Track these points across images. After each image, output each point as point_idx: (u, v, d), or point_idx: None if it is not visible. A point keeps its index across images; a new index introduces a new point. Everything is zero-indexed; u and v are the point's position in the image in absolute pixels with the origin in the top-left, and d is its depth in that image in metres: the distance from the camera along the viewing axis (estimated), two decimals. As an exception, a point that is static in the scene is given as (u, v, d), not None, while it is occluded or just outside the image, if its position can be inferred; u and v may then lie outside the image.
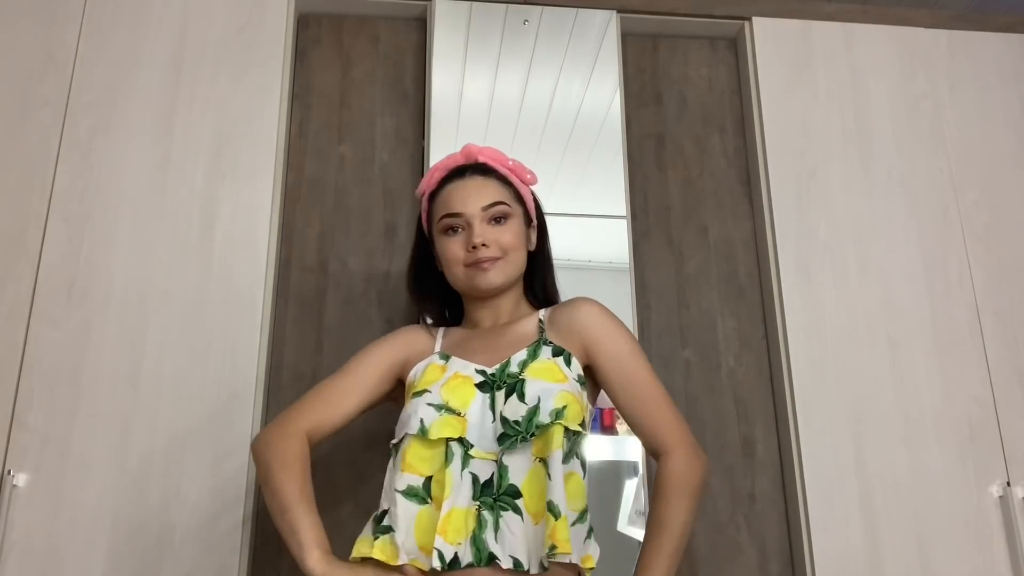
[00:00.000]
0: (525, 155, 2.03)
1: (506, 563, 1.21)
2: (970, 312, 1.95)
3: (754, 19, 2.16)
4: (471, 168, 1.48)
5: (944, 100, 2.14)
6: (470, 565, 1.20)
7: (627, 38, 2.19)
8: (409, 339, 1.48)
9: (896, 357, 1.90)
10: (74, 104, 1.86)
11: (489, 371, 1.36)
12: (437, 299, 1.57)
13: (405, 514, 1.25)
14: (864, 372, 1.89)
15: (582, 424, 1.31)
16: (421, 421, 1.28)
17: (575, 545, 1.20)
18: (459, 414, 1.30)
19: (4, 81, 1.86)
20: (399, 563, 1.22)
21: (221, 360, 1.75)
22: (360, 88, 2.09)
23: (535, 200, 1.55)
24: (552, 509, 1.20)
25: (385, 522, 1.26)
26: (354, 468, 1.79)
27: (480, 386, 1.34)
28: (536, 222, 1.54)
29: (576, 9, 2.12)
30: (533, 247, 1.52)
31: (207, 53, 1.94)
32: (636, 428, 1.36)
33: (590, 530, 1.26)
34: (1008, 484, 1.82)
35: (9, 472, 1.61)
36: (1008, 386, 1.90)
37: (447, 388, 1.33)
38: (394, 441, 1.34)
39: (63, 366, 1.70)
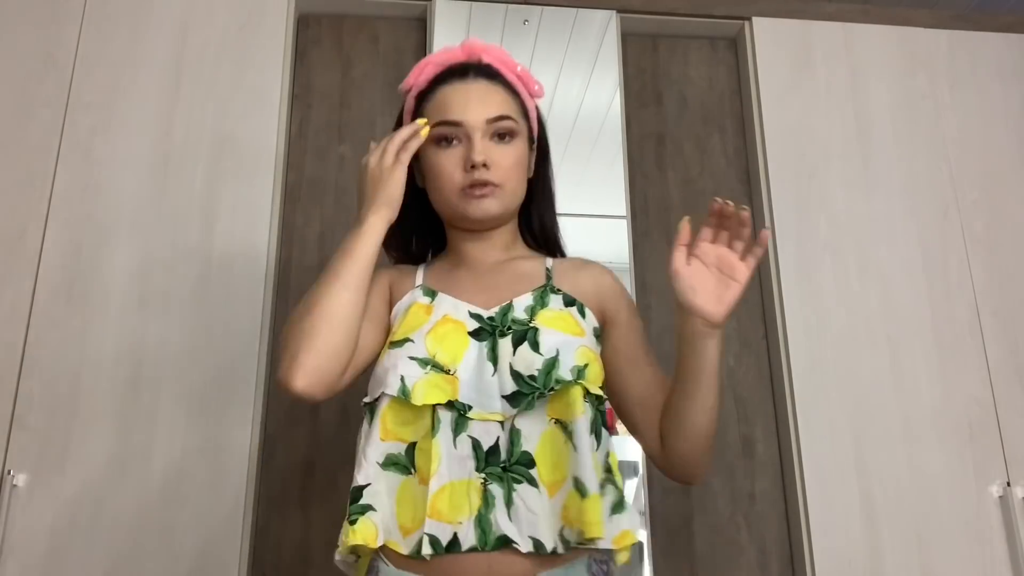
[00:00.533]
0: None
1: (525, 546, 1.02)
2: (970, 312, 1.95)
3: (754, 19, 2.16)
4: (474, 69, 1.23)
5: (944, 100, 2.14)
6: (473, 549, 1.01)
7: (627, 38, 2.19)
8: (388, 275, 1.25)
9: (896, 357, 1.90)
10: (74, 104, 1.86)
11: (486, 314, 1.15)
12: (409, 224, 1.28)
13: (387, 488, 1.06)
14: (864, 372, 1.89)
15: (601, 389, 1.12)
16: (402, 379, 1.07)
17: (607, 525, 1.02)
18: (448, 372, 1.09)
19: (4, 81, 1.86)
20: (377, 544, 1.04)
21: (221, 360, 1.74)
22: (360, 88, 2.09)
23: (539, 118, 1.31)
24: (579, 486, 1.02)
25: (364, 500, 1.05)
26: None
27: (475, 333, 1.13)
28: (537, 143, 1.30)
29: (576, 9, 2.12)
30: (532, 174, 1.28)
31: (207, 53, 1.94)
32: (640, 409, 1.17)
33: (621, 499, 1.06)
34: (1008, 484, 1.82)
35: (9, 472, 1.61)
36: (1008, 386, 1.90)
37: (434, 337, 1.11)
38: (366, 400, 1.12)
39: (63, 367, 1.70)
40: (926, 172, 2.07)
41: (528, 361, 1.09)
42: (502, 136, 1.20)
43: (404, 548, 1.03)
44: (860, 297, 1.94)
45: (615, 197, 1.99)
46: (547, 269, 1.24)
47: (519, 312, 1.15)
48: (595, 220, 2.00)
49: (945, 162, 2.08)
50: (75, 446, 1.66)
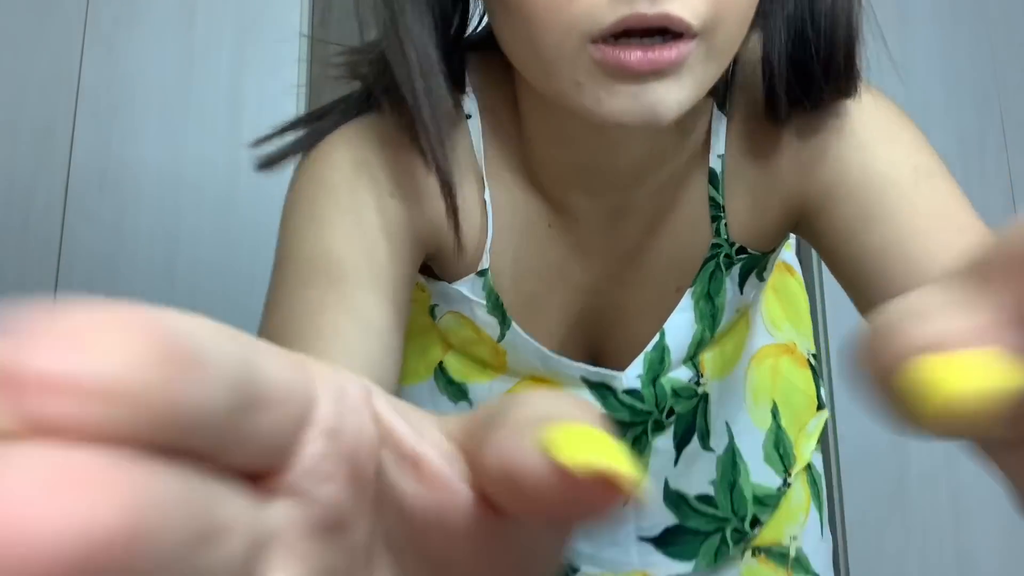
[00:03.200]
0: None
1: None
2: (1005, 199, 1.92)
3: None
4: None
5: (990, -23, 2.05)
6: None
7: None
8: (418, 211, 0.61)
9: (928, 246, 1.89)
10: (95, -5, 1.84)
11: (616, 376, 0.63)
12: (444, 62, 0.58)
13: None
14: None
15: None
16: None
17: None
18: None
19: (23, -28, 1.83)
20: None
21: (254, 252, 1.77)
22: (383, -27, 2.04)
23: None
24: None
25: None
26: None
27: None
28: None
29: None
30: None
31: (226, -61, 1.90)
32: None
33: None
34: (1036, 371, 1.83)
35: (54, 362, 1.66)
36: (1041, 274, 1.89)
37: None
38: None
39: (100, 261, 1.73)
40: (966, 54, 2.00)
41: (696, 471, 0.66)
42: None
43: None
44: (894, 185, 1.91)
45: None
46: (713, 206, 0.61)
47: (677, 367, 0.64)
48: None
49: (987, 44, 2.01)
50: (116, 337, 1.70)
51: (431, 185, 0.57)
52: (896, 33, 2.01)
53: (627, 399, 0.61)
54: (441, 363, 0.67)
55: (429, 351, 0.68)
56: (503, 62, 0.55)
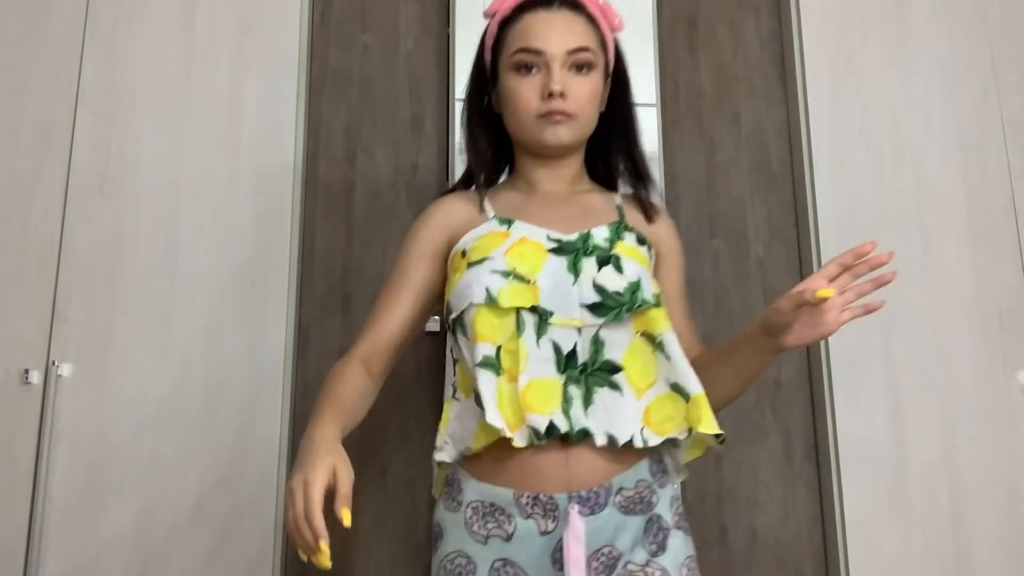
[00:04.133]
0: (552, 41, 1.99)
1: (600, 440, 1.13)
2: (1005, 198, 1.92)
3: None
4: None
5: (990, -24, 2.05)
6: (567, 435, 1.12)
7: (658, -85, 2.11)
8: (448, 213, 1.31)
9: (928, 244, 1.88)
10: (95, -5, 1.85)
11: (565, 238, 1.22)
12: (488, 141, 1.36)
13: (488, 389, 1.13)
14: (895, 260, 1.86)
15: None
16: (487, 290, 1.16)
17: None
18: (528, 281, 1.17)
19: (23, -28, 1.83)
20: (509, 435, 1.11)
21: (253, 252, 1.77)
22: (383, -27, 2.04)
23: (618, 51, 1.35)
24: (680, 390, 1.15)
25: (478, 402, 1.14)
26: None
27: (555, 251, 1.21)
28: (615, 77, 1.35)
29: None
30: (604, 107, 1.33)
31: (226, -61, 1.90)
32: (679, 335, 1.23)
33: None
34: (1036, 371, 1.83)
35: (54, 363, 1.67)
36: (1041, 273, 1.89)
37: (513, 254, 1.19)
38: (453, 315, 1.20)
39: (99, 259, 1.74)
40: (966, 53, 2.00)
41: (613, 279, 1.18)
42: (580, 68, 1.25)
43: (520, 441, 1.12)
44: (893, 184, 1.91)
45: (644, 84, 1.95)
46: (618, 207, 1.33)
47: (598, 240, 1.23)
48: (624, 108, 1.97)
49: (986, 42, 2.01)
50: (116, 337, 1.70)
51: (468, 210, 1.32)
52: (896, 33, 2.01)
53: (563, 241, 1.23)
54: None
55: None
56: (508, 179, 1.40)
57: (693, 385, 1.15)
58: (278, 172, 1.82)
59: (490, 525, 1.15)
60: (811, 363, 1.90)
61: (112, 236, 1.75)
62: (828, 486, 1.81)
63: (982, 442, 1.79)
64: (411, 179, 1.93)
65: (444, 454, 1.20)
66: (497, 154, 1.38)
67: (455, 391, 1.23)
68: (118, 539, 1.63)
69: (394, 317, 1.26)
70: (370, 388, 1.23)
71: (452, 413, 1.22)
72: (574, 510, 1.12)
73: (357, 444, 1.79)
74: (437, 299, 1.30)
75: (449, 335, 1.25)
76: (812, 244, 1.89)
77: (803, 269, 1.94)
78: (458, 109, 1.91)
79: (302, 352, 1.82)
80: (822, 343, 1.84)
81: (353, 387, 1.20)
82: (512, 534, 1.14)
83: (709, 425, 1.13)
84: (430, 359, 1.82)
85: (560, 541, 1.12)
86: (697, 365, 1.21)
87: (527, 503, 1.14)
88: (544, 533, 1.13)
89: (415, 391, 1.81)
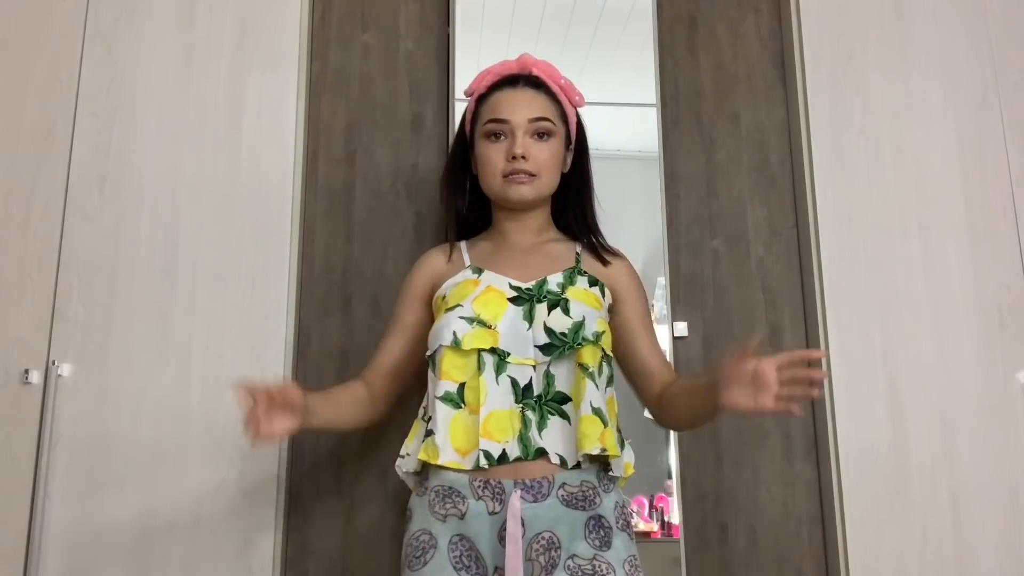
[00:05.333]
0: (552, 41, 1.99)
1: (554, 459, 1.34)
2: (1005, 198, 1.92)
3: None
4: (524, 79, 1.51)
5: (990, -24, 2.05)
6: (519, 459, 1.33)
7: (658, -85, 2.10)
8: (430, 266, 1.54)
9: (928, 244, 1.88)
10: (95, -5, 1.85)
11: (524, 286, 1.43)
12: (465, 199, 1.59)
13: (443, 419, 1.36)
14: (895, 259, 1.87)
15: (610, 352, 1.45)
16: (454, 333, 1.37)
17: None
18: (490, 327, 1.38)
19: (23, -28, 1.83)
20: (439, 462, 1.34)
21: (254, 252, 1.77)
22: (383, -27, 2.04)
23: (579, 123, 1.57)
24: (600, 415, 1.34)
25: (429, 427, 1.37)
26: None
27: (514, 300, 1.41)
28: (575, 144, 1.56)
29: None
30: (567, 169, 1.55)
31: (226, -61, 1.90)
32: (645, 362, 1.47)
33: (623, 441, 1.43)
34: (1036, 371, 1.83)
35: (54, 363, 1.67)
36: (1041, 273, 1.89)
37: (479, 302, 1.40)
38: (429, 353, 1.43)
39: (99, 259, 1.73)
40: (966, 54, 2.00)
41: (560, 321, 1.38)
42: (541, 135, 1.48)
43: (466, 464, 1.34)
44: (893, 184, 1.91)
45: (645, 84, 1.95)
46: (576, 254, 1.53)
47: (552, 286, 1.43)
48: (624, 108, 1.97)
49: (986, 43, 2.01)
50: (116, 337, 1.70)
51: (448, 261, 1.54)
52: (896, 33, 2.01)
53: (523, 289, 1.43)
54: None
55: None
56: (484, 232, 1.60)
57: (607, 416, 1.36)
58: (278, 172, 1.82)
59: (448, 505, 1.34)
60: (811, 363, 1.90)
61: (112, 236, 1.75)
62: (828, 486, 1.81)
63: (982, 442, 1.79)
64: (411, 179, 1.93)
65: (407, 463, 1.41)
66: (477, 210, 1.59)
67: (424, 413, 1.44)
68: (118, 538, 1.64)
69: (390, 350, 1.52)
70: (364, 397, 1.49)
71: (418, 431, 1.43)
72: (516, 493, 1.32)
73: (357, 444, 1.79)
74: (426, 335, 1.49)
75: (429, 367, 1.45)
76: (812, 244, 1.89)
77: (803, 269, 1.94)
78: (458, 109, 1.93)
79: (302, 352, 1.82)
80: (822, 343, 1.84)
81: (348, 390, 1.48)
82: (465, 513, 1.33)
83: (612, 451, 1.34)
84: (430, 359, 1.83)
85: (505, 521, 1.31)
86: (665, 394, 1.42)
87: (479, 486, 1.34)
88: (492, 513, 1.32)
89: (415, 393, 1.81)
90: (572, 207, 1.57)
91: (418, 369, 1.52)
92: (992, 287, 1.87)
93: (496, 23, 1.96)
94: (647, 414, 1.51)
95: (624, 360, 1.51)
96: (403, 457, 1.43)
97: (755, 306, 1.93)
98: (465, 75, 2.00)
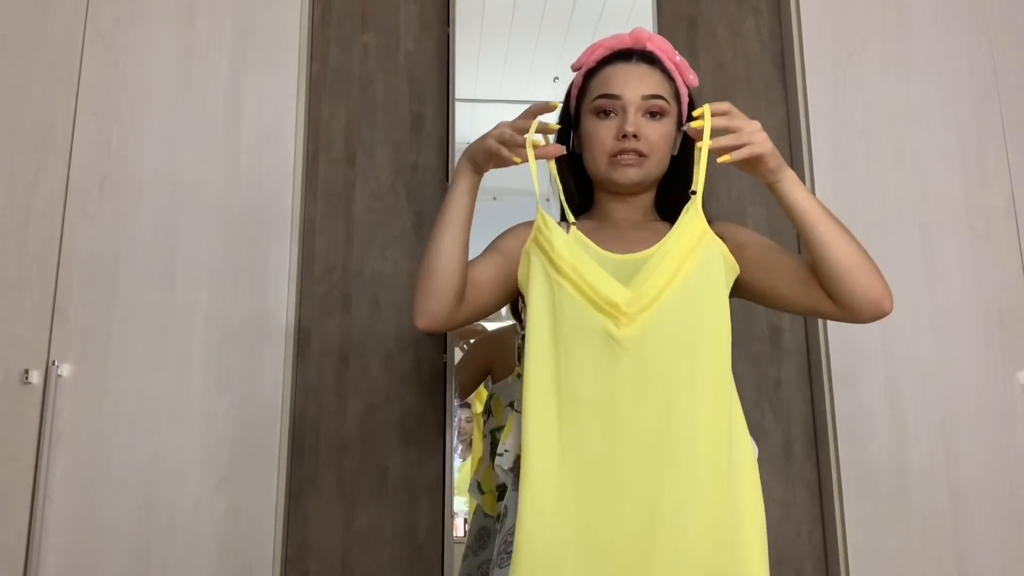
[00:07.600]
0: (552, 41, 1.99)
1: None
2: (1005, 199, 1.92)
3: None
4: (637, 54, 1.39)
5: (990, -24, 2.05)
6: None
7: (658, -85, 2.11)
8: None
9: (928, 244, 1.89)
10: (95, -5, 1.85)
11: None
12: (572, 179, 1.46)
13: None
14: (895, 260, 1.88)
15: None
16: None
17: None
18: None
19: (23, -28, 1.83)
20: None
21: (254, 252, 1.77)
22: (383, -27, 2.04)
23: (691, 104, 1.44)
24: None
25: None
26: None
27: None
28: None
29: None
30: (676, 152, 1.41)
31: (226, -61, 1.90)
32: (801, 285, 1.31)
33: None
34: (1036, 371, 1.83)
35: (54, 363, 1.67)
36: (1041, 273, 1.89)
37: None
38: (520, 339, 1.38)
39: (100, 259, 1.73)
40: (966, 54, 2.00)
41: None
42: (654, 114, 1.35)
43: None
44: (894, 184, 1.91)
45: (645, 84, 1.95)
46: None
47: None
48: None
49: (987, 43, 2.01)
50: (116, 337, 1.70)
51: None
52: (896, 33, 2.01)
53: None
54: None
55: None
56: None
57: None
58: (278, 172, 1.82)
59: None
60: (811, 363, 1.90)
61: (112, 236, 1.75)
62: (828, 486, 1.81)
63: (982, 442, 1.79)
64: (411, 179, 1.93)
65: (506, 460, 1.33)
66: (581, 190, 1.47)
67: (515, 403, 1.34)
68: (118, 539, 1.63)
69: (480, 267, 1.33)
70: (464, 265, 1.30)
71: (513, 424, 1.34)
72: None
73: (357, 444, 1.79)
74: (513, 286, 1.37)
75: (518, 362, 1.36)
76: (812, 244, 1.89)
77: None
78: (458, 109, 1.93)
79: (302, 352, 1.82)
80: (822, 343, 1.84)
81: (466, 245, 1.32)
82: None
83: None
84: (430, 360, 1.83)
85: None
86: (815, 269, 1.28)
87: None
88: None
89: (415, 392, 1.82)
90: (674, 192, 1.42)
91: (481, 307, 1.35)
92: (992, 287, 1.87)
93: (496, 23, 1.96)
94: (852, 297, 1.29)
95: (781, 288, 1.34)
96: (501, 455, 1.35)
97: (755, 307, 1.93)
98: (465, 75, 2.00)
